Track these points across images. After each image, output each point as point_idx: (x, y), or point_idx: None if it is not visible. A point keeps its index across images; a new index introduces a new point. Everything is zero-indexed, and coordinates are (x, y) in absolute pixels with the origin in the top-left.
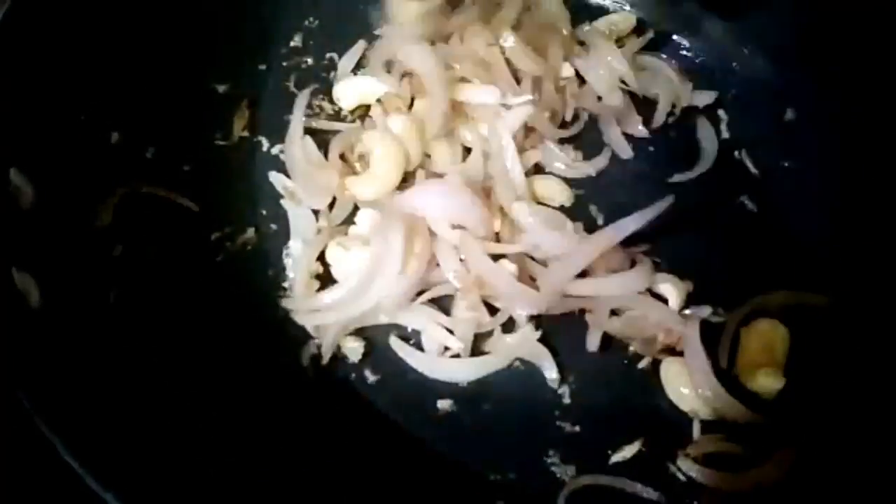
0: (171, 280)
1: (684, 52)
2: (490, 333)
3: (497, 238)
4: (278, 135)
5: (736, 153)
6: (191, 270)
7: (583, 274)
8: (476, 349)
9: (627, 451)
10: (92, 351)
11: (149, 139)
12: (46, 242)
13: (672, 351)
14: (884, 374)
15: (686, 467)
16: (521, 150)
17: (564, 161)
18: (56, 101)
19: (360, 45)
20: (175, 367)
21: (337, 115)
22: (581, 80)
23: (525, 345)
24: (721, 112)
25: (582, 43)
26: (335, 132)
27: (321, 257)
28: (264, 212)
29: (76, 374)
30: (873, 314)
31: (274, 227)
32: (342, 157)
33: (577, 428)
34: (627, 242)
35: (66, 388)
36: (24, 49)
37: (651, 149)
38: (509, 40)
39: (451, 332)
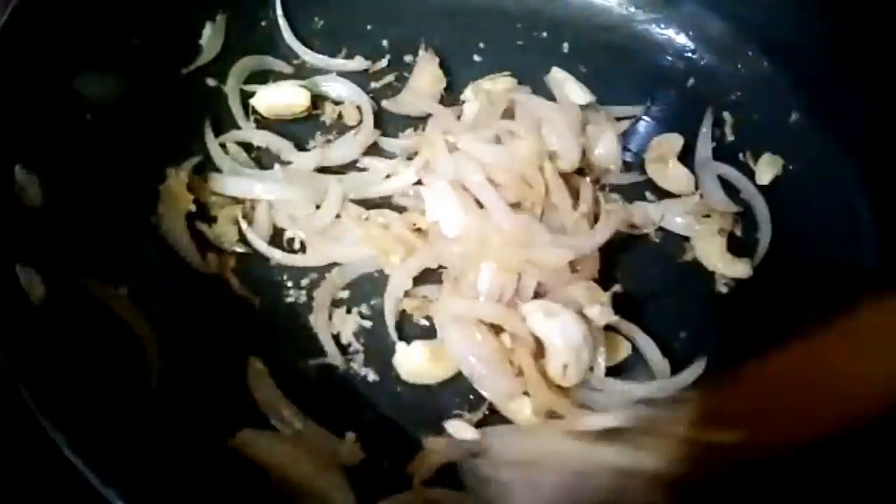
0: (177, 275)
1: (688, 54)
2: None
3: None
4: None
5: (741, 155)
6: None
7: None
8: None
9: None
10: (95, 347)
11: (153, 140)
12: (51, 239)
13: None
14: None
15: None
16: None
17: None
18: (62, 99)
19: None
20: (180, 363)
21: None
22: None
23: None
24: (726, 114)
25: None
26: None
27: None
28: None
29: (80, 371)
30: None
31: None
32: None
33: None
34: None
35: (69, 385)
36: (30, 47)
37: None
38: None
39: None
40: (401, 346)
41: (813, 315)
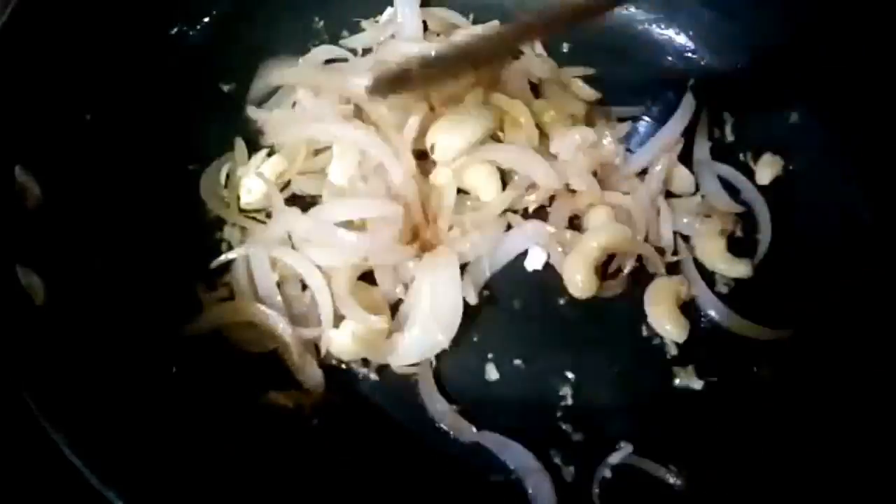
0: (177, 276)
1: (689, 55)
2: None
3: None
4: None
5: (741, 155)
6: (195, 266)
7: None
8: None
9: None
10: (96, 348)
11: (153, 140)
12: (51, 239)
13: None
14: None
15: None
16: None
17: None
18: (62, 100)
19: None
20: (180, 363)
21: None
22: None
23: None
24: (726, 115)
25: None
26: None
27: None
28: None
29: (80, 371)
30: (883, 316)
31: None
32: None
33: (580, 430)
34: None
35: (70, 385)
36: (29, 48)
37: None
38: None
39: None
40: (333, 332)
41: (812, 315)
